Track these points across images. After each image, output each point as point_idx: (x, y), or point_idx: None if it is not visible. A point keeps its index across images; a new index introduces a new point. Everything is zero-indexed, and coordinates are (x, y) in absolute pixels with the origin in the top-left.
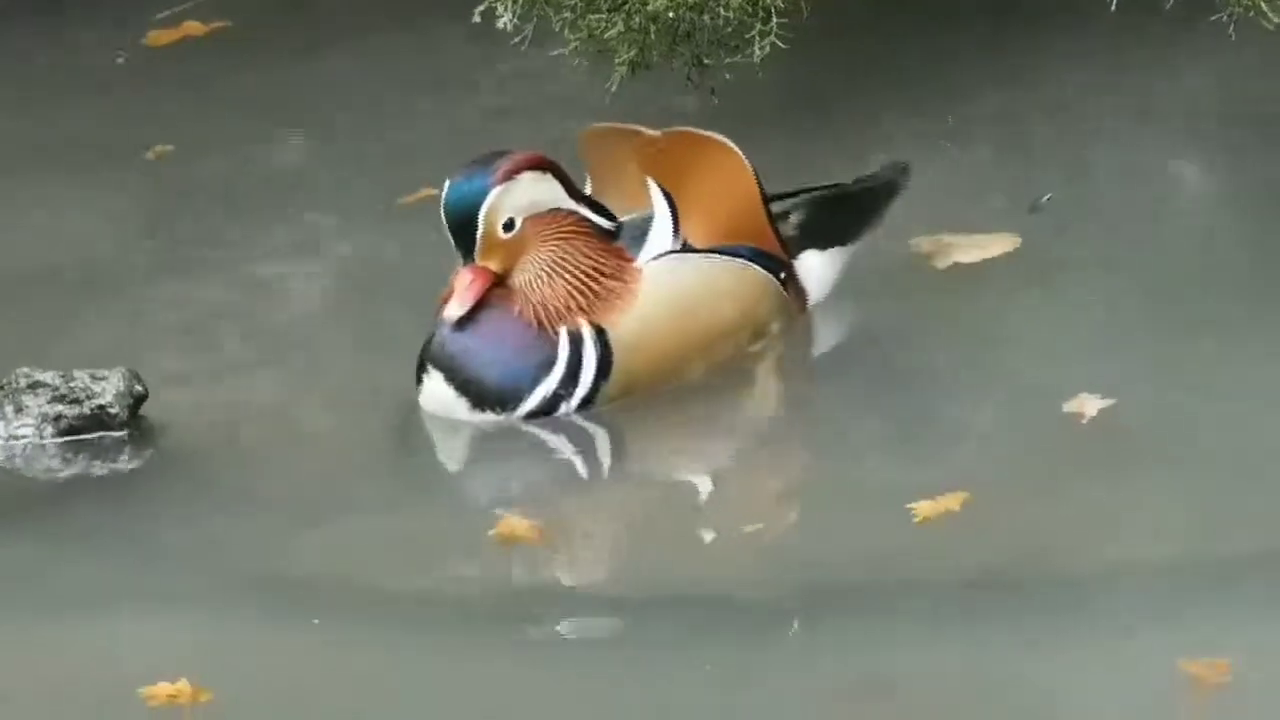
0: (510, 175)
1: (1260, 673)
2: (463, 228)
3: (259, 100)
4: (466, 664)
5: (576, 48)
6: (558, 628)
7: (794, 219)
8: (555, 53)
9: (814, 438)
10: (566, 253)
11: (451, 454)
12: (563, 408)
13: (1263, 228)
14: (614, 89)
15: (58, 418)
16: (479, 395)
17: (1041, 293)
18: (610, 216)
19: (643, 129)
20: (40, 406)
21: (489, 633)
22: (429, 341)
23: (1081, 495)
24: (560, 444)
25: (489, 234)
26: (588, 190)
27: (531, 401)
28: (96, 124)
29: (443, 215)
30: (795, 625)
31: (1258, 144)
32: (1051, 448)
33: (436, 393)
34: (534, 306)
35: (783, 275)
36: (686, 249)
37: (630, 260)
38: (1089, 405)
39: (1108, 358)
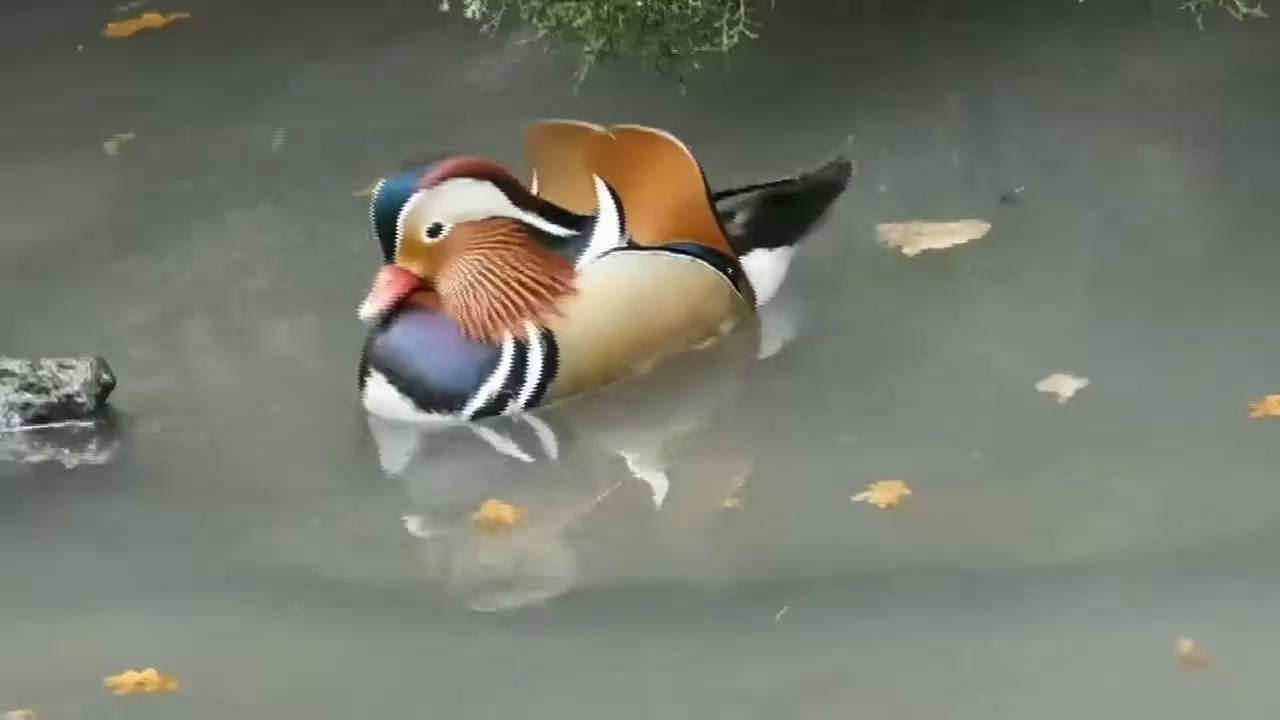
0: (437, 181)
1: (1239, 653)
2: (385, 229)
3: (219, 91)
4: (434, 653)
5: (545, 36)
6: (524, 618)
7: (740, 218)
8: (523, 42)
9: (777, 427)
10: (492, 263)
11: (420, 445)
12: (510, 406)
13: (1232, 214)
14: (582, 78)
15: (25, 406)
16: (424, 396)
17: (1011, 278)
18: (568, 219)
19: (590, 126)
20: (7, 395)
21: (458, 622)
22: (369, 344)
23: (1058, 478)
24: (522, 439)
25: (410, 238)
26: (534, 189)
27: (477, 401)
28: (57, 113)
29: (370, 214)
30: (783, 610)
31: (1227, 132)
32: (1027, 429)
33: (380, 395)
34: (459, 314)
35: (731, 273)
36: (633, 247)
37: (568, 265)
38: (1064, 386)
39: (1080, 340)
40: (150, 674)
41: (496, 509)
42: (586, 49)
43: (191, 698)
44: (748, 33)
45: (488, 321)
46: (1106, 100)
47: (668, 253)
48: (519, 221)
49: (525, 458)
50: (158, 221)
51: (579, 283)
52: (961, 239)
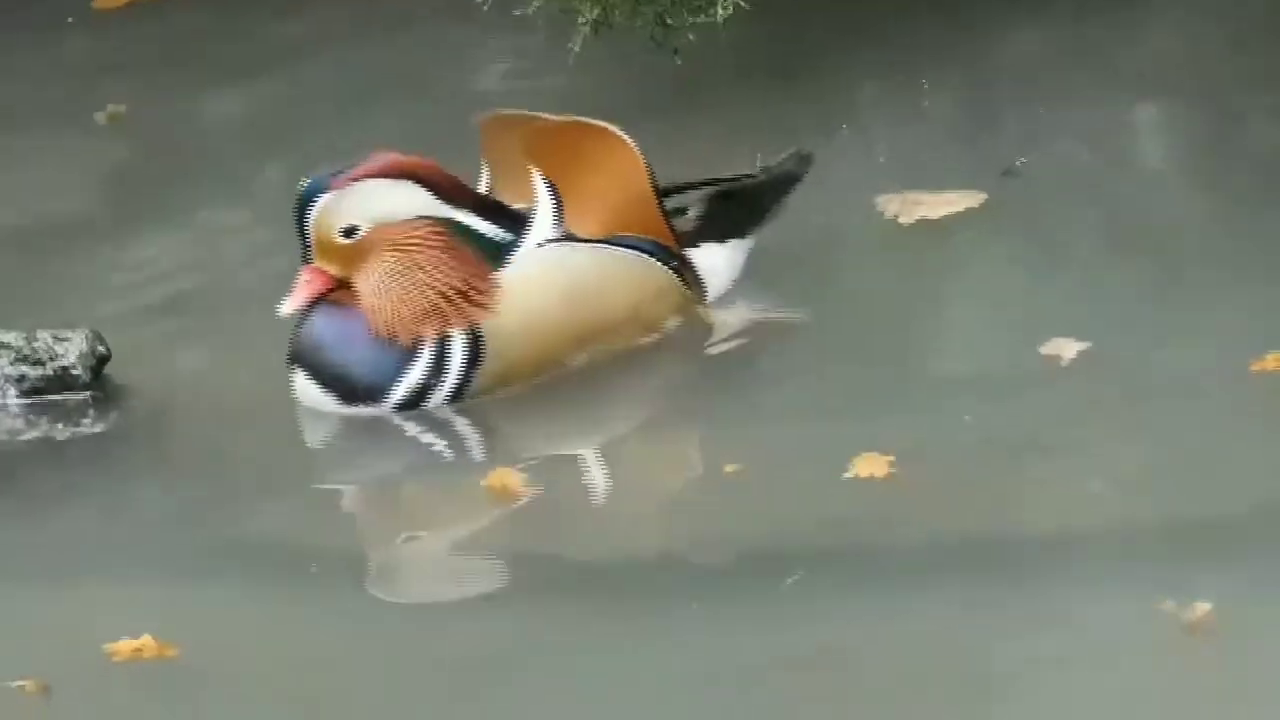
0: (350, 182)
1: (1238, 622)
2: (301, 229)
3: (210, 61)
4: (430, 626)
5: (540, 7)
6: (521, 591)
7: (693, 212)
8: (518, 12)
9: (767, 400)
10: (405, 266)
11: (425, 421)
12: (432, 399)
13: (1229, 184)
14: (577, 49)
15: (21, 378)
16: (346, 390)
17: (1009, 247)
18: (509, 216)
19: (542, 115)
20: (3, 368)
21: (455, 595)
22: (292, 339)
23: (1056, 444)
24: (506, 417)
25: (322, 238)
26: (483, 182)
27: (397, 394)
28: (47, 86)
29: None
30: (794, 577)
31: (1223, 103)
32: (1028, 393)
33: (305, 388)
34: (369, 315)
35: (675, 267)
36: (570, 239)
37: (489, 267)
38: (1066, 348)
39: (1080, 305)
40: (147, 640)
41: (504, 477)
42: (581, 20)
43: (191, 665)
44: (742, 3)
45: (395, 325)
46: (1103, 72)
47: (607, 246)
48: (447, 221)
49: (518, 433)
50: (151, 194)
51: (506, 279)
52: (958, 209)
